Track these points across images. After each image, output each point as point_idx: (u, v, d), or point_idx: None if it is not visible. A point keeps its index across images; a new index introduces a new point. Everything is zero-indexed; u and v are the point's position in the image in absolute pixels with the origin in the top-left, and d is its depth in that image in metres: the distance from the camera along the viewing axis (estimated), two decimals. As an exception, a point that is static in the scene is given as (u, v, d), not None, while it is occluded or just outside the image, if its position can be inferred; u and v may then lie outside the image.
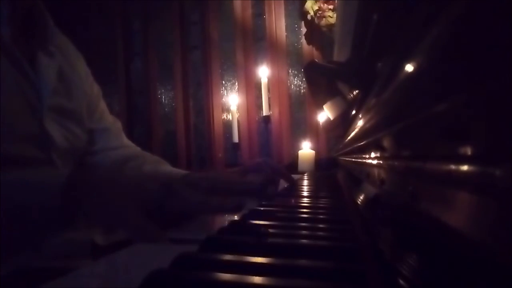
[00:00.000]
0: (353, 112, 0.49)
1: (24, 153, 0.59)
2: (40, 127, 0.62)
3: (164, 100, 2.43)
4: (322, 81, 0.70)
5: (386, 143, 0.30)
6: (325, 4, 1.98)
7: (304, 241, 0.29)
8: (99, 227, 0.42)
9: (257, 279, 0.19)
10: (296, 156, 2.00)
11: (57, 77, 0.67)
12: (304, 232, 0.34)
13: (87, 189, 0.41)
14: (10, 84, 0.58)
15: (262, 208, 0.45)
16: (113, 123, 0.84)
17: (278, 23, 2.21)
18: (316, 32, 2.09)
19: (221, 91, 2.33)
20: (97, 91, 0.82)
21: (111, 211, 0.39)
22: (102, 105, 0.83)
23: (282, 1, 2.21)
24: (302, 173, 1.57)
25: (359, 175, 0.48)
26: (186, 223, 0.41)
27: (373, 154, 0.37)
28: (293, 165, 1.95)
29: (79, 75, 0.75)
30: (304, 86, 2.16)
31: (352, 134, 0.52)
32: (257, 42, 2.26)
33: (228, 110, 2.29)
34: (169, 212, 0.39)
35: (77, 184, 0.41)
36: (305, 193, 0.70)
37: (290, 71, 2.22)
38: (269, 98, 2.15)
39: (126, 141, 0.86)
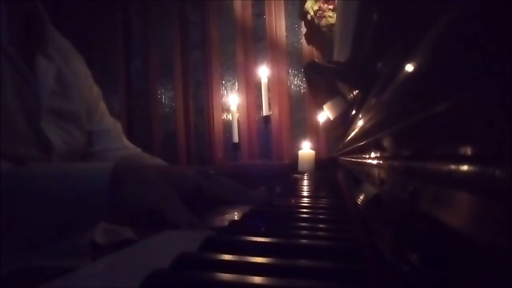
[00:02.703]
0: (353, 112, 0.49)
1: (22, 155, 0.59)
2: (37, 129, 0.62)
3: (164, 100, 2.43)
4: (322, 81, 0.70)
5: (386, 143, 0.30)
6: (325, 4, 1.98)
7: (304, 241, 0.29)
8: (143, 212, 0.44)
9: (257, 279, 0.19)
10: (296, 156, 2.00)
11: (55, 79, 0.67)
12: (304, 232, 0.34)
13: (131, 175, 0.43)
14: (8, 86, 0.58)
15: (262, 208, 0.45)
16: (113, 125, 0.84)
17: (278, 23, 2.21)
18: (316, 32, 2.09)
19: (221, 91, 2.33)
20: (97, 92, 0.82)
21: (155, 197, 0.40)
22: (102, 107, 0.83)
23: (282, 1, 2.21)
24: (302, 173, 1.57)
25: (359, 175, 0.48)
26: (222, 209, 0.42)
27: (373, 154, 0.37)
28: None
29: (78, 77, 0.75)
30: (304, 86, 2.16)
31: (352, 134, 0.52)
32: (257, 42, 2.26)
33: (228, 110, 2.29)
34: (207, 199, 0.41)
35: (122, 171, 0.43)
36: (305, 193, 0.70)
37: (290, 71, 2.22)
38: (269, 98, 2.15)
39: (126, 142, 0.86)
